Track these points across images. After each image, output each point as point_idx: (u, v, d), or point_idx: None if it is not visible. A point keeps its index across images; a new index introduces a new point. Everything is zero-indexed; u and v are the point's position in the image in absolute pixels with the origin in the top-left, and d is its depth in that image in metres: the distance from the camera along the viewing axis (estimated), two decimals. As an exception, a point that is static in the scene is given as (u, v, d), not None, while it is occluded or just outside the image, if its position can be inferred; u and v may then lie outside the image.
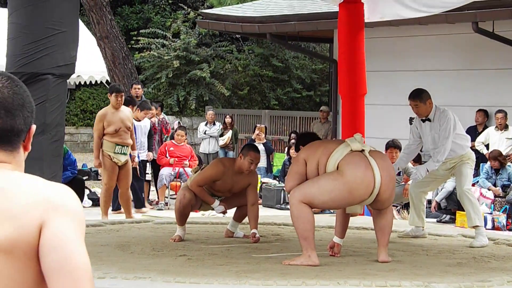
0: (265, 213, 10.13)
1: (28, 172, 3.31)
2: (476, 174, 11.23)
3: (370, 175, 5.18)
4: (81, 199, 9.67)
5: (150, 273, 4.69)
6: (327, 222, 7.52)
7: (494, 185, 11.10)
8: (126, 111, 9.31)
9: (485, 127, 12.15)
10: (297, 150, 5.76)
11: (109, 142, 9.08)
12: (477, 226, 6.48)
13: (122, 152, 9.13)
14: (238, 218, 6.58)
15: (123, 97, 9.30)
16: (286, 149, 14.20)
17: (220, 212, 6.45)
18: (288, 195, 12.10)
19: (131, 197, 9.75)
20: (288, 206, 12.41)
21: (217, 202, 6.33)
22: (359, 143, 5.31)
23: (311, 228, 5.15)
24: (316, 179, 5.23)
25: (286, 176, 5.63)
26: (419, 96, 6.56)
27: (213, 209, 6.48)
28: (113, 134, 9.08)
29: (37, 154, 3.32)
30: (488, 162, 11.28)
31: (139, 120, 11.01)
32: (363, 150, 5.28)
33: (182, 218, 6.31)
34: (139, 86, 11.99)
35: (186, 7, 21.42)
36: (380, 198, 5.27)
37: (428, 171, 6.58)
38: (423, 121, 6.63)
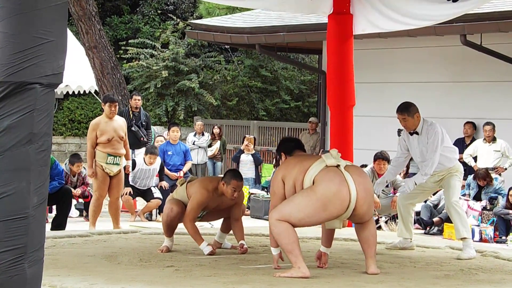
0: (253, 224, 10.12)
1: (14, 182, 3.29)
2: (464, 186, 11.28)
3: (345, 190, 5.17)
4: (69, 209, 9.63)
5: (137, 284, 4.67)
6: (315, 233, 7.51)
7: (479, 198, 11.12)
8: (119, 121, 9.30)
9: (473, 140, 12.19)
10: (279, 155, 5.77)
11: (101, 152, 9.07)
12: (465, 238, 6.49)
13: (114, 162, 9.12)
14: (225, 229, 6.56)
15: (117, 107, 9.31)
16: (275, 160, 14.20)
17: (208, 253, 6.26)
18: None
19: (120, 207, 9.73)
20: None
21: (205, 243, 6.23)
22: (334, 158, 5.30)
23: (295, 240, 5.14)
24: (291, 197, 5.26)
25: (270, 196, 5.63)
26: (407, 110, 6.57)
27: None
28: (106, 143, 9.07)
29: (23, 164, 3.30)
30: (472, 176, 11.33)
31: (148, 164, 11.14)
32: (338, 166, 5.27)
33: (169, 230, 6.29)
34: (139, 98, 12.11)
35: (175, 18, 21.43)
36: (358, 213, 5.26)
37: (416, 184, 6.60)
38: (411, 134, 6.64)
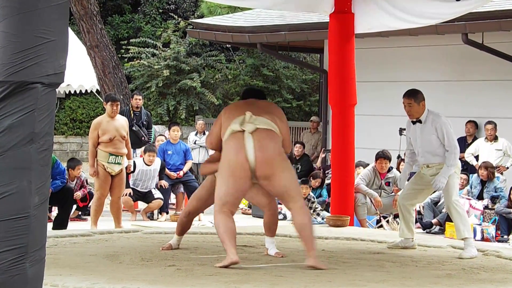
0: (255, 223, 10.11)
1: (15, 182, 3.29)
2: (464, 186, 11.25)
3: (242, 157, 5.41)
4: (70, 208, 9.63)
5: (139, 283, 4.67)
6: (318, 233, 7.50)
7: (481, 197, 11.09)
8: (121, 120, 9.31)
9: (475, 138, 12.18)
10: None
11: (103, 152, 9.08)
12: (466, 238, 6.47)
13: (116, 162, 9.13)
14: (268, 232, 6.15)
15: (119, 106, 9.32)
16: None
17: None
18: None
19: (122, 206, 9.73)
20: (278, 216, 12.45)
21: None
22: (239, 124, 5.50)
23: (226, 231, 5.39)
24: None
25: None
26: (414, 95, 6.55)
27: None
28: (108, 143, 9.08)
29: (25, 163, 3.30)
30: (475, 174, 11.28)
31: (148, 165, 11.11)
32: (244, 131, 5.48)
33: (180, 228, 6.26)
34: (140, 97, 12.12)
35: (176, 17, 21.43)
36: (260, 175, 5.45)
37: (446, 178, 6.45)
38: (413, 123, 6.62)
